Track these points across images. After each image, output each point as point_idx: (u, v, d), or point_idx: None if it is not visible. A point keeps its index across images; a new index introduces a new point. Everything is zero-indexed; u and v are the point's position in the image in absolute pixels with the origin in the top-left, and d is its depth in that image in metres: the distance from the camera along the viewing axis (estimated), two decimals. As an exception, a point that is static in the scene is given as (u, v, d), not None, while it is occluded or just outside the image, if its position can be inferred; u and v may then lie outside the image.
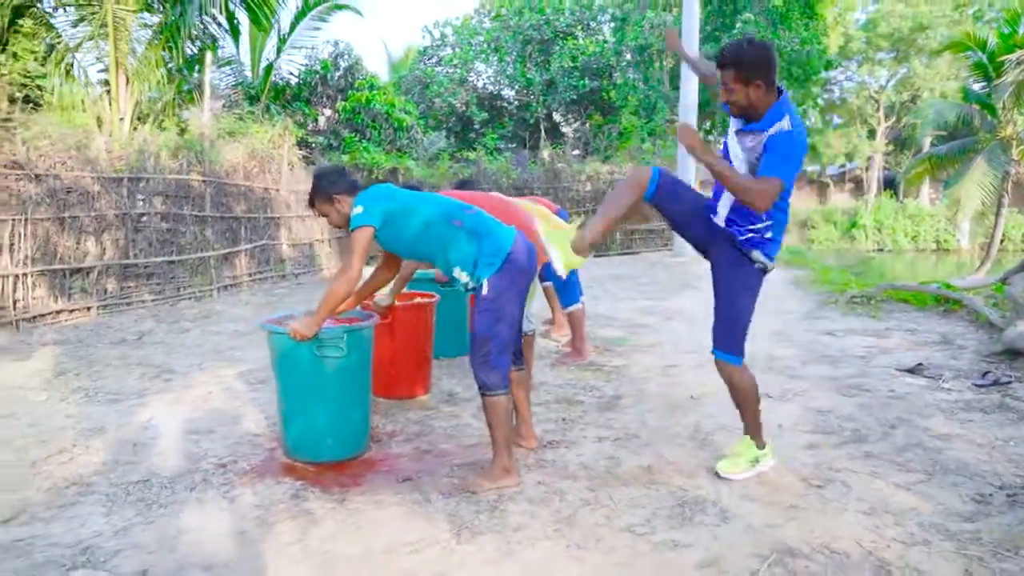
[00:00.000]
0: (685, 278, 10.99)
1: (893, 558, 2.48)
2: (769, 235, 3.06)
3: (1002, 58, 15.06)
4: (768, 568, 2.42)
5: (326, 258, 13.63)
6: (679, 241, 13.72)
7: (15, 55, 8.59)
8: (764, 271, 3.14)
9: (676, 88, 18.19)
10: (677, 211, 3.22)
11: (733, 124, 3.06)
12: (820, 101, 28.14)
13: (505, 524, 2.77)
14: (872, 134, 35.12)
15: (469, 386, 4.84)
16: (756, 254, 3.06)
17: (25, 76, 8.40)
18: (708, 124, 19.48)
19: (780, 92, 2.92)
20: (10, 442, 3.77)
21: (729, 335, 3.22)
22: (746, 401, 3.28)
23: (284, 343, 3.29)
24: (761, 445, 3.30)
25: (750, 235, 3.05)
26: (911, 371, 5.08)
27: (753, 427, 3.30)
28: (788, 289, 9.69)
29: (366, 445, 3.62)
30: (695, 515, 2.84)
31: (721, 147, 3.17)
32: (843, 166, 40.90)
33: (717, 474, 3.22)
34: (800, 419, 4.07)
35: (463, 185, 5.67)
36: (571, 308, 5.63)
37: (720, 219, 3.11)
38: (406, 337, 4.43)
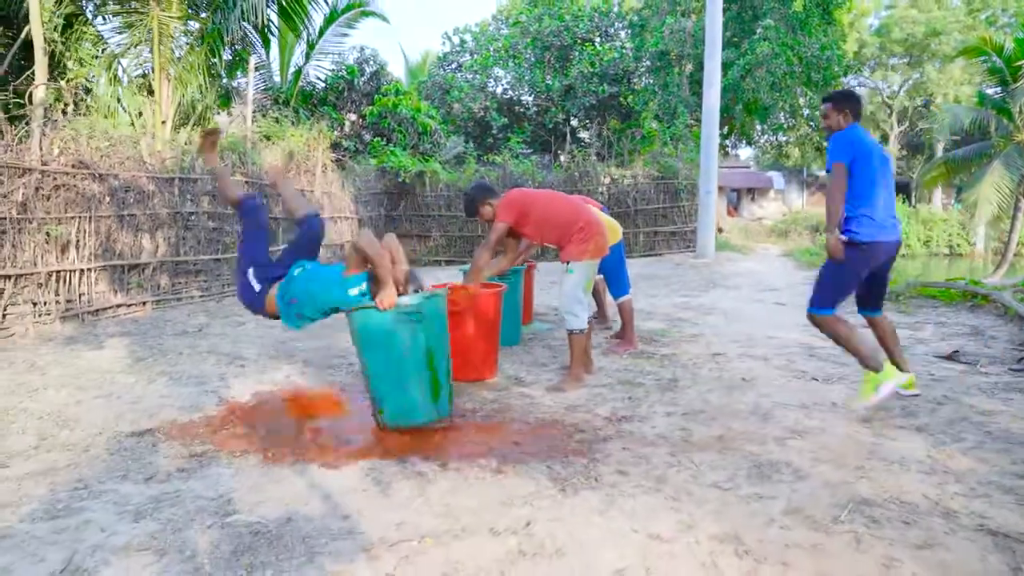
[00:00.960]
0: (712, 278, 11.27)
1: (959, 508, 2.76)
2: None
3: (1019, 63, 15.29)
4: (848, 514, 2.70)
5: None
6: (702, 243, 14.00)
7: (80, 61, 8.95)
8: (851, 244, 3.97)
9: (695, 94, 18.51)
10: None
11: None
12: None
13: (601, 482, 3.06)
14: (885, 139, 35.36)
15: (531, 371, 5.14)
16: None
17: (89, 80, 8.75)
18: (726, 129, 19.76)
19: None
20: (121, 416, 4.08)
21: (819, 295, 4.19)
22: (840, 342, 4.17)
23: (380, 319, 3.63)
24: (877, 369, 3.99)
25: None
26: (948, 357, 5.35)
27: (862, 360, 4.06)
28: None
29: (452, 410, 3.94)
30: (772, 474, 3.13)
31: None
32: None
33: (851, 408, 4.06)
34: (851, 399, 4.34)
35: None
36: (622, 299, 5.94)
37: None
38: (481, 322, 4.73)
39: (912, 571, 2.30)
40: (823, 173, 39.80)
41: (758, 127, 21.20)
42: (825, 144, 20.87)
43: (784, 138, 20.83)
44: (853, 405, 4.08)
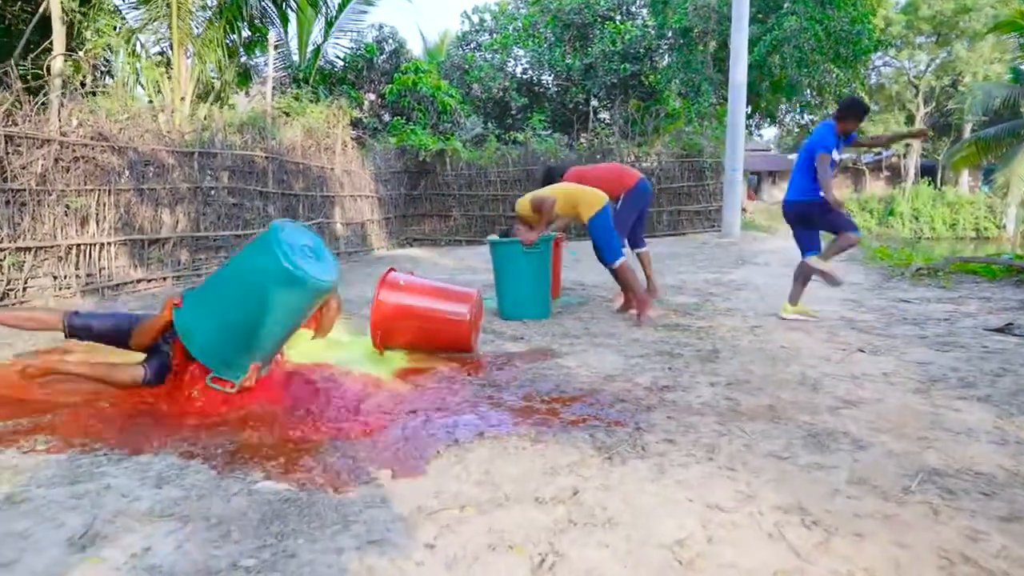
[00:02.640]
0: (741, 255, 11.02)
1: (1040, 479, 2.55)
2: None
3: (1057, 37, 14.81)
4: (919, 484, 2.50)
5: (376, 239, 13.81)
6: (727, 221, 13.72)
7: (99, 31, 8.82)
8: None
9: (720, 71, 18.13)
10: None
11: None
12: (873, 82, 27.64)
13: (649, 451, 2.88)
14: (910, 120, 34.71)
15: (563, 342, 4.96)
16: None
17: (106, 50, 8.61)
18: (750, 108, 19.38)
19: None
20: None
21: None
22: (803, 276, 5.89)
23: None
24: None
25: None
26: (1000, 331, 5.11)
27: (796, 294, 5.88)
28: (846, 265, 9.68)
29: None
30: (830, 444, 2.93)
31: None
32: (879, 154, 40.43)
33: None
34: (901, 369, 4.13)
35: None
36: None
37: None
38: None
39: (1001, 544, 2.10)
40: (845, 156, 39.19)
41: (782, 106, 20.79)
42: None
43: (810, 117, 20.37)
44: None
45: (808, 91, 18.05)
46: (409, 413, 3.41)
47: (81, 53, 8.25)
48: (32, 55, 7.69)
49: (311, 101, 13.14)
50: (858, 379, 3.92)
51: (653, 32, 20.27)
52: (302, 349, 4.77)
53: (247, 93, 15.55)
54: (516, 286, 5.85)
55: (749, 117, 20.64)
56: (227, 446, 2.97)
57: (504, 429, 3.18)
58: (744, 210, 18.13)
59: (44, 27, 9.08)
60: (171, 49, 10.86)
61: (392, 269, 4.87)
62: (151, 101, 10.77)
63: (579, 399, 3.60)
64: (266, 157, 10.13)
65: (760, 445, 2.93)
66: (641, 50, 20.24)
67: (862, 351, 4.59)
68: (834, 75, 16.88)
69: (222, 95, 11.38)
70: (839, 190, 37.21)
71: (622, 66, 19.98)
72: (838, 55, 16.08)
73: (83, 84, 7.73)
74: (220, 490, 2.52)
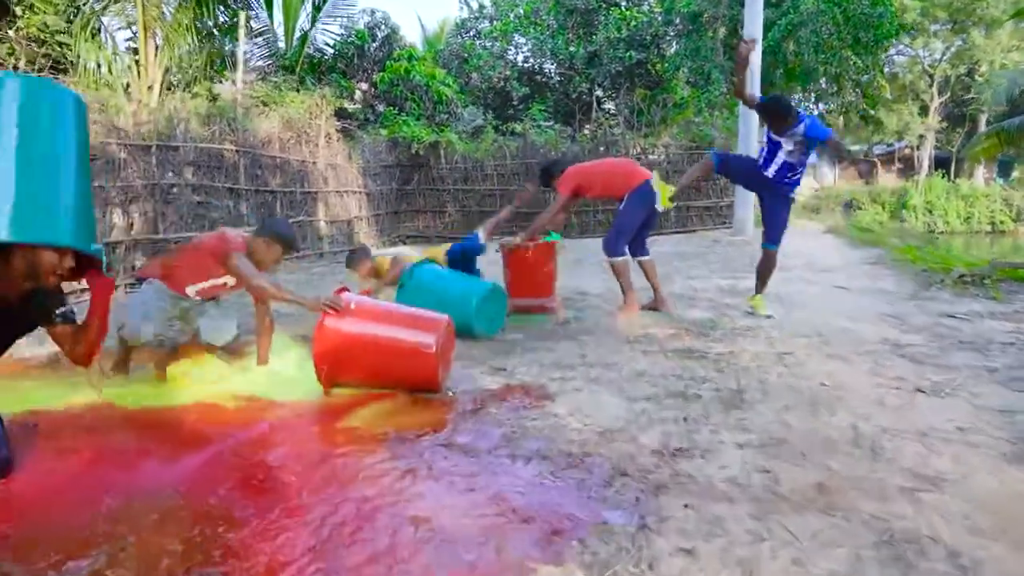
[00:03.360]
0: (755, 256, 10.10)
1: None
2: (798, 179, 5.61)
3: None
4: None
5: (366, 237, 12.95)
6: (739, 218, 12.84)
7: (31, 7, 7.91)
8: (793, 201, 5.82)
9: (730, 58, 17.15)
10: (739, 174, 6.27)
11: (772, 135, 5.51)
12: (886, 71, 26.45)
13: (658, 572, 2.02)
14: (924, 111, 33.64)
15: (554, 374, 4.10)
16: (792, 194, 5.70)
17: (43, 31, 7.72)
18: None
19: (799, 115, 5.40)
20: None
21: (777, 234, 5.80)
22: (767, 272, 5.95)
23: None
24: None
25: (788, 184, 5.60)
26: (1085, 361, 4.22)
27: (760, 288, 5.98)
28: (875, 269, 8.79)
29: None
30: (917, 559, 2.06)
31: (765, 145, 5.63)
32: (891, 145, 39.39)
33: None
34: (979, 422, 3.25)
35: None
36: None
37: (770, 174, 5.57)
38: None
39: None
40: (856, 147, 38.19)
41: (796, 96, 19.81)
42: (871, 113, 19.54)
43: (824, 106, 19.39)
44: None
45: (824, 79, 17.07)
46: (323, 514, 2.54)
47: (11, 32, 7.36)
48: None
49: (294, 90, 12.25)
50: (927, 437, 3.04)
51: (660, 18, 19.30)
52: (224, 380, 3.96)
53: (233, 82, 14.68)
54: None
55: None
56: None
57: (453, 527, 2.32)
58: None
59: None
60: (138, 33, 10.03)
61: (344, 288, 4.01)
62: (127, 90, 9.93)
63: (565, 471, 2.73)
64: (236, 151, 9.26)
65: (816, 560, 2.06)
66: (648, 37, 19.27)
67: (921, 391, 3.71)
68: (851, 62, 15.88)
69: (192, 84, 10.50)
70: (852, 183, 36.27)
71: (627, 54, 19.01)
72: (857, 40, 15.08)
73: (16, 68, 6.84)
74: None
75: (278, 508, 2.44)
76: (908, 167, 39.43)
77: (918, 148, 36.86)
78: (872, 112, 18.44)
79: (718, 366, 4.24)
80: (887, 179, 40.13)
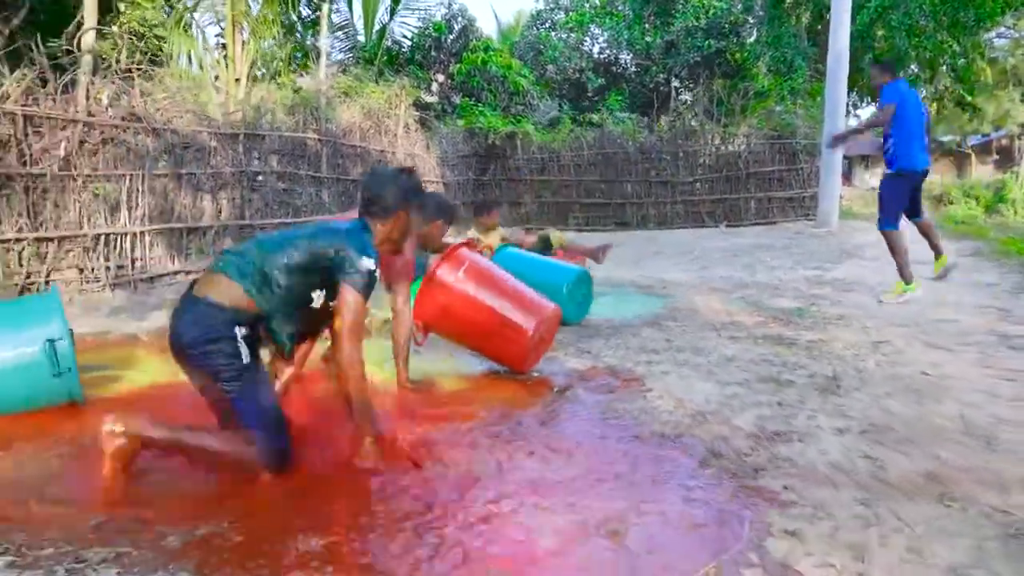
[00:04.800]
0: (842, 247, 9.74)
1: None
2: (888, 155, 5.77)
3: None
4: None
5: (441, 226, 13.03)
6: (824, 209, 12.37)
7: (134, 3, 8.26)
8: (898, 176, 5.77)
9: (814, 44, 16.58)
10: None
11: None
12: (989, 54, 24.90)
13: (767, 555, 1.93)
14: (1026, 98, 31.74)
15: (635, 356, 4.01)
16: (888, 169, 5.88)
17: (143, 25, 8.04)
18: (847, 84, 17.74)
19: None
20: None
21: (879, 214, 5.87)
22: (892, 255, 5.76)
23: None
24: (909, 281, 5.68)
25: (885, 159, 5.86)
26: None
27: (901, 270, 5.71)
28: (974, 261, 8.34)
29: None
30: (1048, 553, 1.91)
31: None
32: (987, 135, 37.39)
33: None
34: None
35: None
36: None
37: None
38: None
39: None
40: (948, 138, 36.45)
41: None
42: (969, 99, 18.52)
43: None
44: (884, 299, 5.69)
45: (916, 65, 16.27)
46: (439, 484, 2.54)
47: (114, 28, 7.67)
48: (66, 31, 7.14)
49: (374, 81, 12.43)
50: (1048, 429, 2.84)
51: (740, 5, 18.78)
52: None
53: (306, 72, 15.01)
54: None
55: (847, 93, 18.96)
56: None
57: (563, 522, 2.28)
58: (840, 196, 16.65)
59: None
60: (226, 28, 10.33)
61: (468, 243, 3.98)
62: (216, 82, 10.27)
63: (663, 450, 2.66)
64: (319, 140, 9.45)
65: (933, 550, 1.94)
66: (727, 25, 18.78)
67: (1038, 384, 3.48)
68: (948, 45, 15.06)
69: (277, 76, 10.76)
70: (940, 175, 34.60)
71: (706, 42, 18.57)
72: (956, 22, 14.27)
73: (118, 61, 7.14)
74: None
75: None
76: (1006, 158, 37.38)
77: (1019, 138, 34.92)
78: (969, 99, 17.46)
79: (810, 353, 4.08)
80: (982, 171, 38.16)
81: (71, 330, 3.21)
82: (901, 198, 5.82)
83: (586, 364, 3.95)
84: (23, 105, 5.84)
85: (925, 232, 6.16)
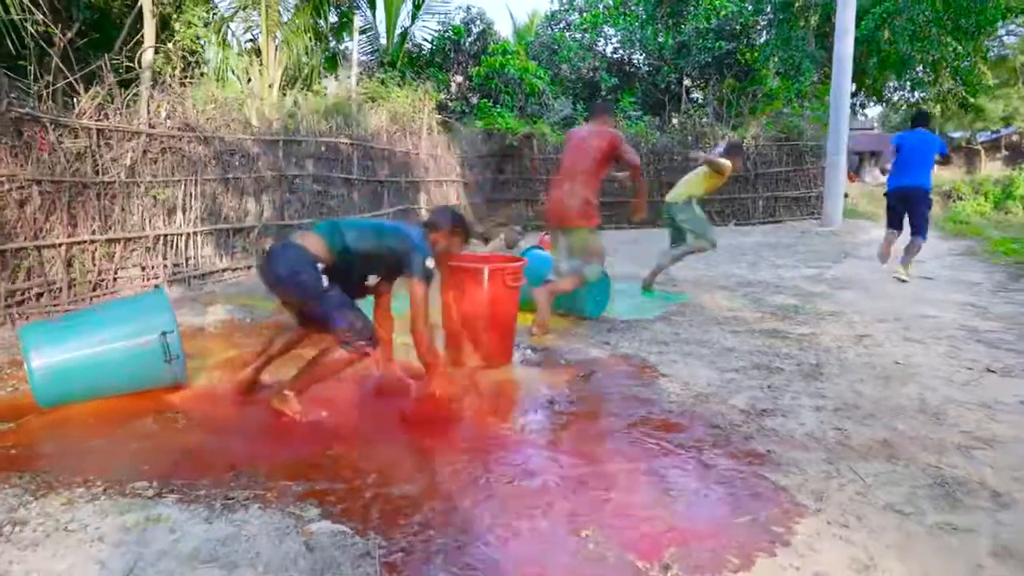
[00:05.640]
0: (843, 247, 10.31)
1: None
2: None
3: None
4: (1085, 562, 2.08)
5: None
6: (829, 209, 12.91)
7: (188, 23, 8.92)
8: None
9: (822, 47, 17.04)
10: None
11: None
12: (994, 53, 25.13)
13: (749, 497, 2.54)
14: (1035, 96, 31.99)
15: (648, 346, 4.62)
16: None
17: (195, 43, 8.70)
18: (854, 86, 18.21)
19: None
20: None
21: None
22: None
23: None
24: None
25: None
26: None
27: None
28: (963, 260, 8.90)
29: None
30: (964, 498, 2.51)
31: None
32: (997, 131, 37.63)
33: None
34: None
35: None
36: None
37: None
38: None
39: None
40: (959, 135, 36.71)
41: (891, 84, 19.43)
42: (971, 100, 18.89)
43: (922, 94, 18.93)
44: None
45: (920, 67, 16.73)
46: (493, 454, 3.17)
47: (170, 45, 8.32)
48: (126, 48, 7.78)
49: (397, 85, 13.03)
50: (990, 408, 3.43)
51: (750, 7, 19.26)
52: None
53: (336, 78, 15.64)
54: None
55: (853, 95, 19.37)
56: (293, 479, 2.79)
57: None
58: (846, 195, 17.14)
59: (141, 19, 9.25)
60: (260, 37, 10.97)
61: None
62: (242, 90, 10.91)
63: (673, 428, 3.27)
64: (351, 143, 10.07)
65: (877, 494, 2.54)
66: (737, 27, 19.27)
67: (992, 371, 4.07)
68: (951, 49, 15.53)
69: (309, 81, 11.39)
70: (948, 171, 34.87)
71: (717, 44, 19.07)
72: (958, 26, 14.76)
73: (172, 76, 7.78)
74: (273, 529, 2.34)
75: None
76: (1016, 154, 37.60)
77: (1028, 134, 35.14)
78: (972, 100, 17.89)
79: (800, 345, 4.68)
80: (991, 168, 38.38)
81: (177, 324, 3.84)
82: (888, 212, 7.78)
83: (606, 353, 4.56)
84: (96, 120, 6.48)
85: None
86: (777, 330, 5.13)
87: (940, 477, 2.67)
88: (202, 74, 9.24)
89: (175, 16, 8.85)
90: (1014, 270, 7.81)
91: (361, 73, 15.45)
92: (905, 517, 2.37)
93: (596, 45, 22.01)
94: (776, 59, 17.46)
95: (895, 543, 2.21)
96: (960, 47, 15.55)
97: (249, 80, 11.16)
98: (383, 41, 16.61)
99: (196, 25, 8.84)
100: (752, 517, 2.37)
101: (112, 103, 6.73)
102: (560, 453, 2.95)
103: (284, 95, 10.88)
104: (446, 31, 17.42)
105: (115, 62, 7.46)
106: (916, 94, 19.81)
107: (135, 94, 7.16)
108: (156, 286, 6.69)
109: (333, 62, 14.69)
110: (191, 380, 4.01)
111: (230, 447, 3.06)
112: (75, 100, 6.38)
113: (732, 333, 5.03)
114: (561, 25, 22.93)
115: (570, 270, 5.06)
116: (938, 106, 19.12)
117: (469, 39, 17.66)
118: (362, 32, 16.28)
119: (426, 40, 17.57)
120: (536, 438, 3.16)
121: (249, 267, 8.25)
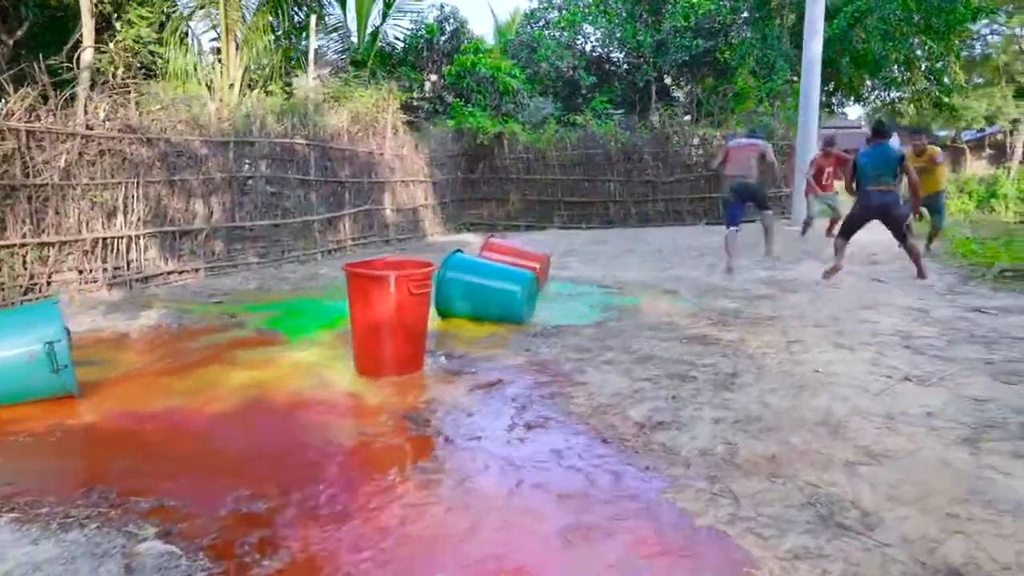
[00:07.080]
0: (804, 246, 10.23)
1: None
2: None
3: None
4: (929, 593, 1.98)
5: (430, 225, 13.56)
6: (797, 209, 12.82)
7: (130, 22, 8.78)
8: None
9: (797, 46, 16.96)
10: None
11: None
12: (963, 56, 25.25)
13: (616, 527, 2.44)
14: (1020, 94, 32.01)
15: (568, 353, 4.52)
16: None
17: (136, 42, 8.56)
18: (831, 85, 18.18)
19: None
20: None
21: None
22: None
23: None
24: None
25: None
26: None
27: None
28: (924, 261, 8.79)
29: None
30: (832, 518, 2.42)
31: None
32: (982, 130, 37.66)
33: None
34: (951, 408, 3.51)
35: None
36: None
37: None
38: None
39: None
40: (943, 133, 36.72)
41: (868, 82, 19.36)
42: (945, 100, 18.88)
43: (897, 94, 18.88)
44: None
45: (895, 67, 16.68)
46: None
47: (111, 45, 8.18)
48: (66, 48, 7.64)
49: (363, 85, 12.90)
50: (893, 420, 3.34)
51: (728, 5, 19.19)
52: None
53: (296, 75, 15.46)
54: None
55: (831, 95, 19.35)
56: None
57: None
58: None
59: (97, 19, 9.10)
60: (221, 36, 10.83)
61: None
62: (209, 88, 10.77)
63: (562, 435, 3.17)
64: (307, 144, 9.95)
65: (747, 513, 2.45)
66: (715, 25, 19.20)
67: (909, 379, 3.97)
68: (926, 48, 15.48)
69: (270, 81, 11.26)
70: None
71: (694, 42, 19.00)
72: (929, 26, 14.70)
73: (114, 76, 7.64)
74: (98, 551, 2.23)
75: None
76: (1000, 153, 37.63)
77: (1011, 134, 35.17)
78: (946, 99, 17.85)
79: (724, 352, 4.58)
80: (976, 167, 38.41)
81: (68, 331, 3.72)
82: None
83: (523, 360, 4.46)
84: (26, 121, 6.35)
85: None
86: (707, 336, 5.03)
87: (815, 496, 2.58)
88: (155, 75, 9.09)
89: (116, 15, 8.71)
90: (967, 272, 7.73)
91: (333, 72, 15.33)
92: (764, 542, 2.27)
93: (575, 43, 21.90)
94: (752, 58, 17.39)
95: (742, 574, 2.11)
96: (933, 47, 15.50)
97: (211, 80, 11.03)
98: (354, 40, 16.48)
99: (138, 24, 8.69)
100: (618, 545, 2.27)
101: (45, 104, 6.60)
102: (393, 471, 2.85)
103: (244, 95, 10.76)
104: (419, 30, 17.29)
105: (53, 63, 7.33)
106: (892, 93, 19.76)
107: (72, 95, 7.03)
108: (50, 297, 6.49)
109: (300, 62, 14.53)
110: (94, 390, 3.90)
111: (96, 461, 2.96)
112: (3, 101, 6.26)
113: (660, 340, 4.93)
114: (540, 23, 22.81)
115: None
116: (912, 106, 19.07)
117: (443, 38, 17.54)
118: (333, 30, 16.18)
119: (398, 39, 17.46)
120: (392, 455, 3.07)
121: (197, 269, 8.14)
